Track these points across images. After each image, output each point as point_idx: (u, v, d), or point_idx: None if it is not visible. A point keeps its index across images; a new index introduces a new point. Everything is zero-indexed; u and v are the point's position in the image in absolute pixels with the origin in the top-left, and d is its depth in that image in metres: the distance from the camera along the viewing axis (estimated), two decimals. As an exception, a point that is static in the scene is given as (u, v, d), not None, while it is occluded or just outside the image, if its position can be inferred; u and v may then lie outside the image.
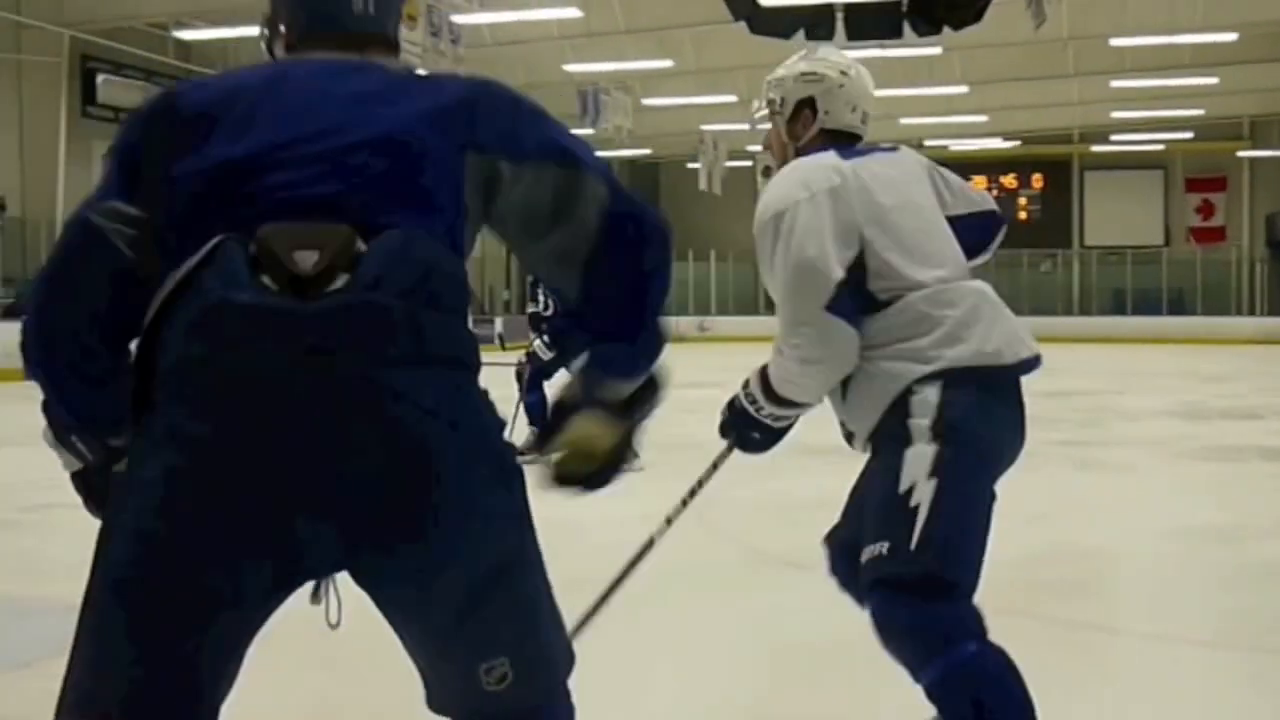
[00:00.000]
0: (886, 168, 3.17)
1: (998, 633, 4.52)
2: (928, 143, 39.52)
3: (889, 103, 32.33)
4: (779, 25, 21.16)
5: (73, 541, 6.04)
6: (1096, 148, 40.79)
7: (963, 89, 30.57)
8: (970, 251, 3.25)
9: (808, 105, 3.35)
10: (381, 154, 1.91)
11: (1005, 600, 4.97)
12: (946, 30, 20.82)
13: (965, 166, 42.47)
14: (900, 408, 2.94)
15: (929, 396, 2.90)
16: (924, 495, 2.84)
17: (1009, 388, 3.15)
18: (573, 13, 22.78)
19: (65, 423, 2.12)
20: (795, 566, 5.56)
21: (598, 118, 28.15)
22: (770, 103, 3.47)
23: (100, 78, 23.62)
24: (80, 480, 2.20)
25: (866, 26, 21.00)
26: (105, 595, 1.85)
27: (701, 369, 23.14)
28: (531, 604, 1.99)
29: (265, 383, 1.76)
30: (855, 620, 4.85)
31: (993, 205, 3.53)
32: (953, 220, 3.22)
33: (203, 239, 1.81)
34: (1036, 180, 42.88)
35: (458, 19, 21.46)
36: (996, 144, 39.29)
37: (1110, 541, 6.77)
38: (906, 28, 20.54)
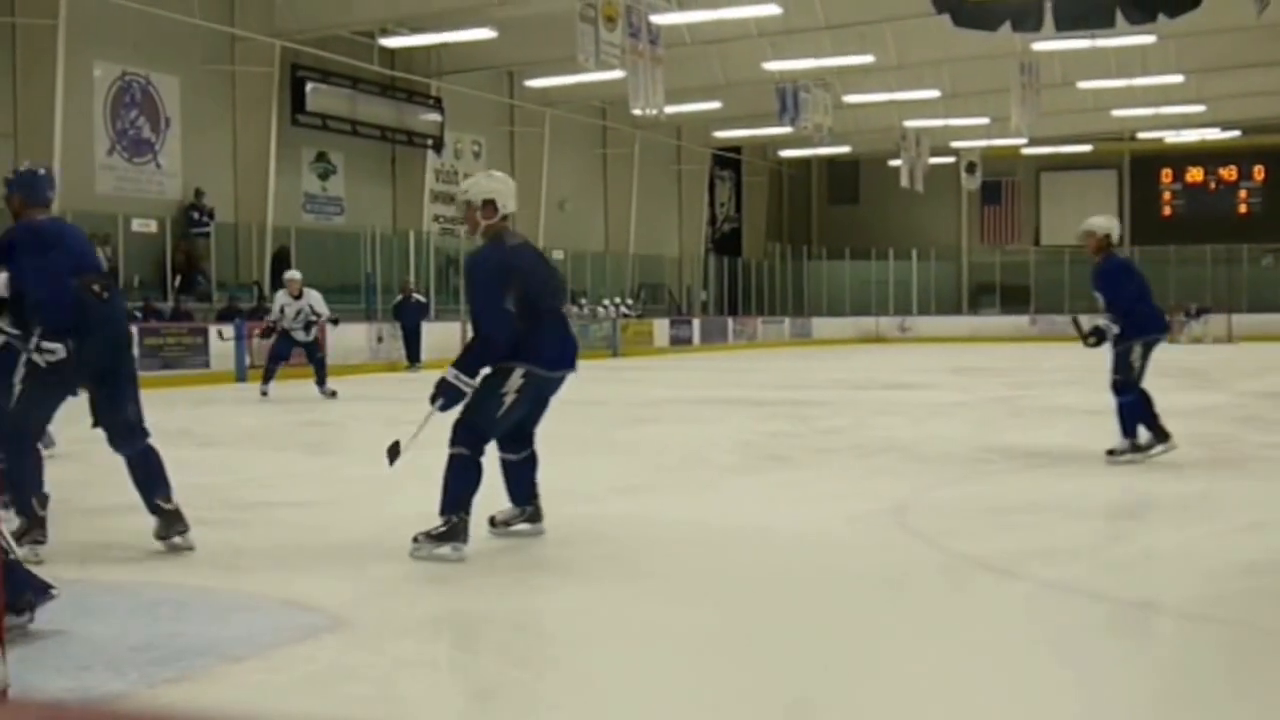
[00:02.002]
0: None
1: (1217, 642, 4.38)
2: (1141, 135, 38.14)
3: (1099, 95, 31.32)
4: (985, 18, 20.72)
5: (277, 540, 6.37)
6: (1323, 137, 38.70)
7: (1178, 78, 29.38)
8: None
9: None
10: None
11: (1225, 609, 4.82)
12: (1161, 17, 20.05)
13: (1181, 159, 40.91)
14: None
15: None
16: None
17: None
18: (772, 10, 22.73)
19: None
20: (993, 571, 5.47)
21: (797, 116, 28.03)
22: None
23: (309, 86, 24.40)
24: None
25: (1076, 16, 20.39)
26: None
27: (903, 369, 22.96)
28: None
29: None
30: (1048, 626, 4.77)
31: None
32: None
33: None
34: (1258, 172, 40.95)
35: (656, 19, 21.65)
36: (1214, 135, 37.62)
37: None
38: (1119, 16, 19.85)
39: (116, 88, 21.19)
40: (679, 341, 33.04)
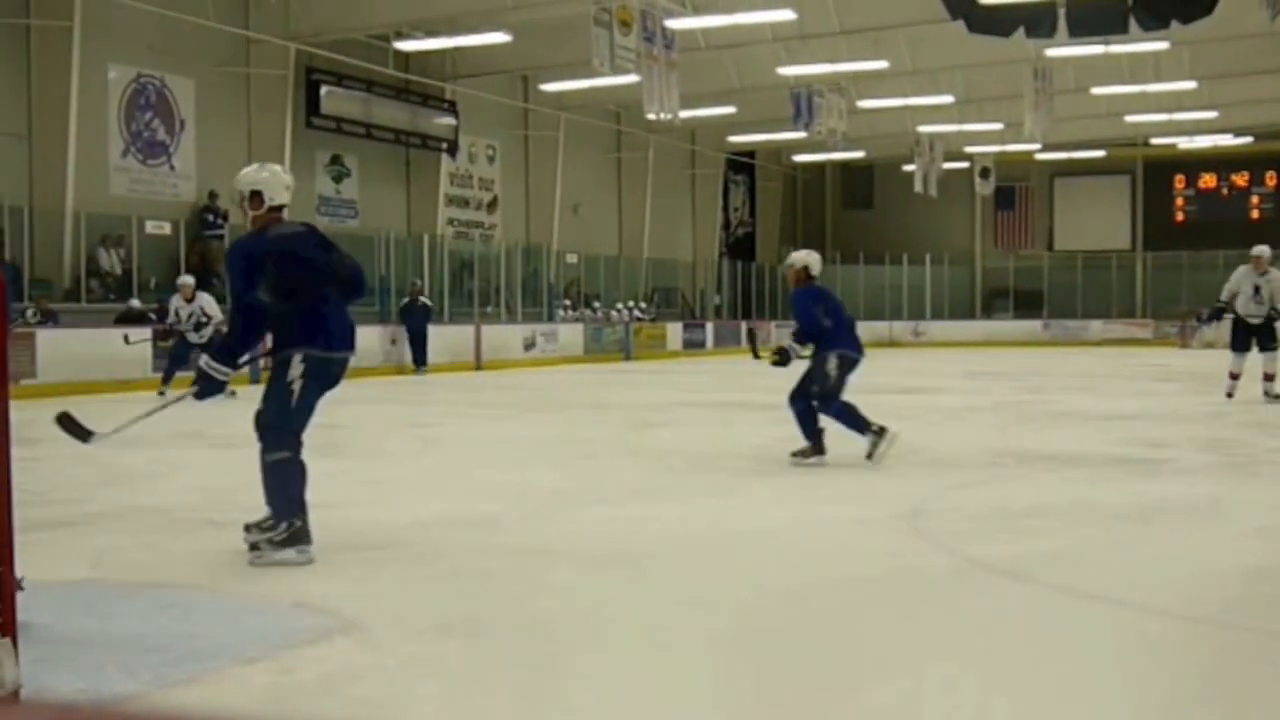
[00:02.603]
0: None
1: (1221, 647, 4.38)
2: (1154, 140, 38.05)
3: (1113, 101, 31.27)
4: (998, 23, 20.70)
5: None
6: (1337, 144, 38.59)
7: (1191, 84, 29.32)
8: None
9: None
10: None
11: (1234, 614, 4.82)
12: (1174, 24, 20.01)
13: (1194, 165, 40.78)
14: None
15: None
16: None
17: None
18: (787, 15, 22.74)
19: None
20: (1004, 575, 5.47)
21: (811, 120, 28.03)
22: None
23: (324, 89, 24.47)
24: None
25: (1090, 22, 20.36)
26: None
27: (915, 374, 22.90)
28: None
29: None
30: (1057, 630, 4.77)
31: None
32: None
33: None
34: (1270, 178, 40.85)
35: (671, 23, 21.68)
36: (1227, 141, 37.54)
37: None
38: (1132, 22, 19.82)
39: (131, 90, 21.24)
40: (692, 345, 33.05)
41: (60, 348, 16.69)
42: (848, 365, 9.37)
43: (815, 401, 9.24)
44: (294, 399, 5.64)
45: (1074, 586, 5.22)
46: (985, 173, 38.32)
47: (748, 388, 18.84)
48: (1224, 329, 15.42)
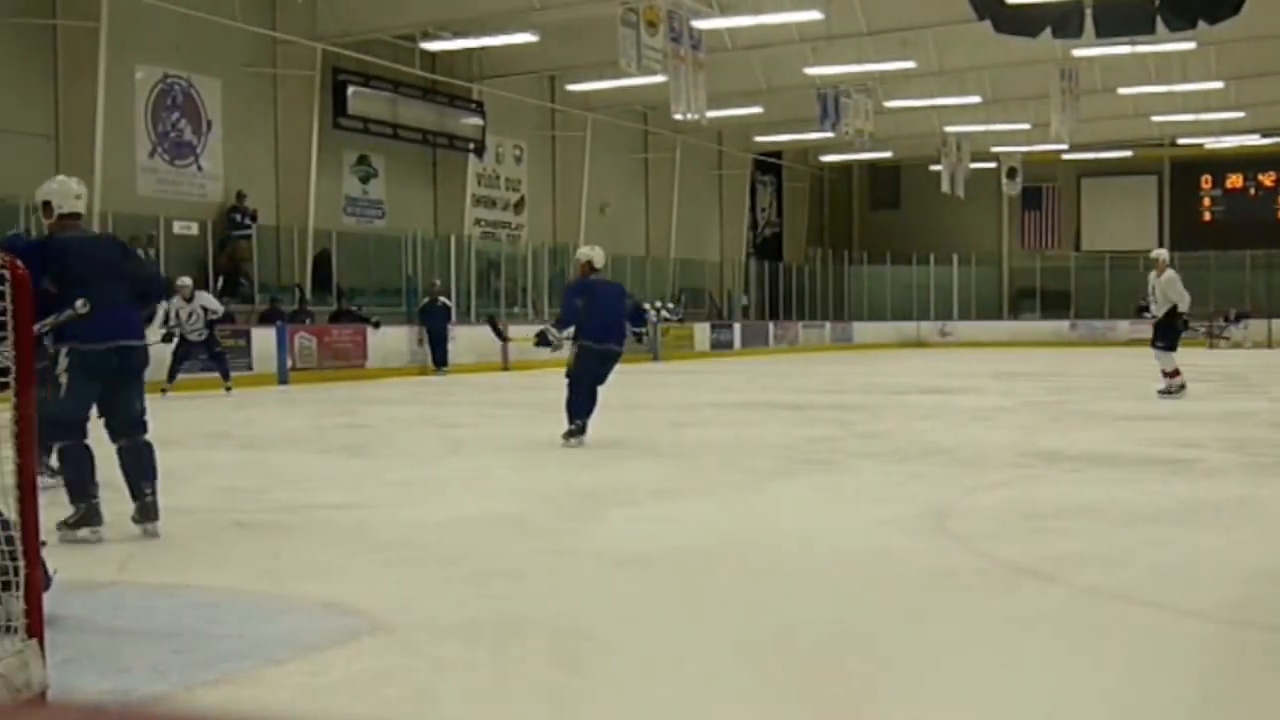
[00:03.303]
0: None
1: (1258, 648, 4.33)
2: (1181, 140, 37.81)
3: (1140, 101, 31.08)
4: (1025, 23, 20.58)
5: (317, 542, 6.39)
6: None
7: (1218, 84, 29.11)
8: None
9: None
10: None
11: (1266, 614, 4.77)
12: (1201, 24, 19.86)
13: (1221, 165, 40.48)
14: None
15: None
16: None
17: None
18: (814, 15, 22.68)
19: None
20: (1033, 576, 5.43)
21: (838, 121, 27.95)
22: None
23: (350, 90, 24.42)
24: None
25: (1117, 22, 20.23)
26: None
27: (943, 374, 22.82)
28: None
29: None
30: (1087, 631, 4.73)
31: None
32: None
33: None
34: (1297, 178, 40.56)
35: (698, 24, 21.65)
36: (1254, 141, 37.24)
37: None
38: (1159, 23, 19.68)
39: (158, 90, 21.29)
40: (720, 346, 33.00)
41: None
42: (589, 356, 10.36)
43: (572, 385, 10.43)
44: (63, 391, 6.01)
45: (1103, 587, 5.18)
46: (1012, 173, 38.13)
47: (776, 388, 18.81)
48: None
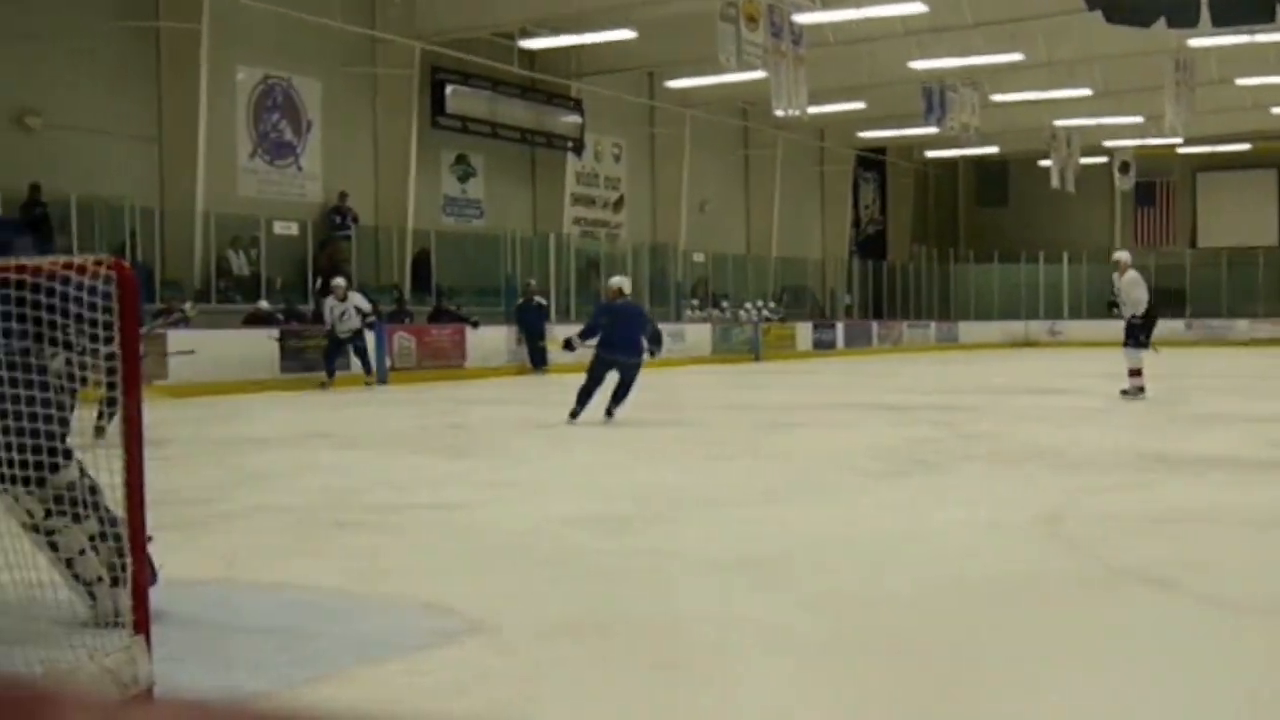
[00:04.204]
0: None
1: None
2: (1304, 132, 36.65)
3: (1258, 92, 30.17)
4: (1138, 13, 20.07)
5: (417, 542, 6.41)
6: None
7: (1343, 73, 28.15)
8: None
9: None
10: None
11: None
12: (1326, 10, 19.19)
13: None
14: None
15: None
16: None
17: None
18: (918, 8, 22.36)
19: None
20: (1149, 582, 5.23)
21: (943, 115, 27.54)
22: None
23: (449, 88, 24.53)
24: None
25: (1234, 10, 19.62)
26: None
27: (1052, 374, 22.36)
28: None
29: None
30: (1208, 641, 4.53)
31: None
32: None
33: None
34: None
35: (799, 18, 21.45)
36: (1382, 133, 35.96)
37: None
38: (1279, 11, 19.05)
39: (259, 91, 21.59)
40: (822, 346, 32.73)
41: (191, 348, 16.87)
42: (599, 362, 12.60)
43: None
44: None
45: (1221, 595, 4.99)
46: (1125, 167, 37.28)
47: (879, 389, 18.57)
48: None
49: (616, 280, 13.46)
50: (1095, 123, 33.26)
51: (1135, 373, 15.16)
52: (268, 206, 21.27)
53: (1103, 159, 36.79)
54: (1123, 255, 16.09)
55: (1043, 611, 4.83)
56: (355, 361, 18.47)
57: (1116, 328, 15.85)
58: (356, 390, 18.06)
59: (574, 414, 12.47)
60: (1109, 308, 16.24)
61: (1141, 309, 15.26)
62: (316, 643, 4.30)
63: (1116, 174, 37.36)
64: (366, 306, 18.33)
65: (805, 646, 4.30)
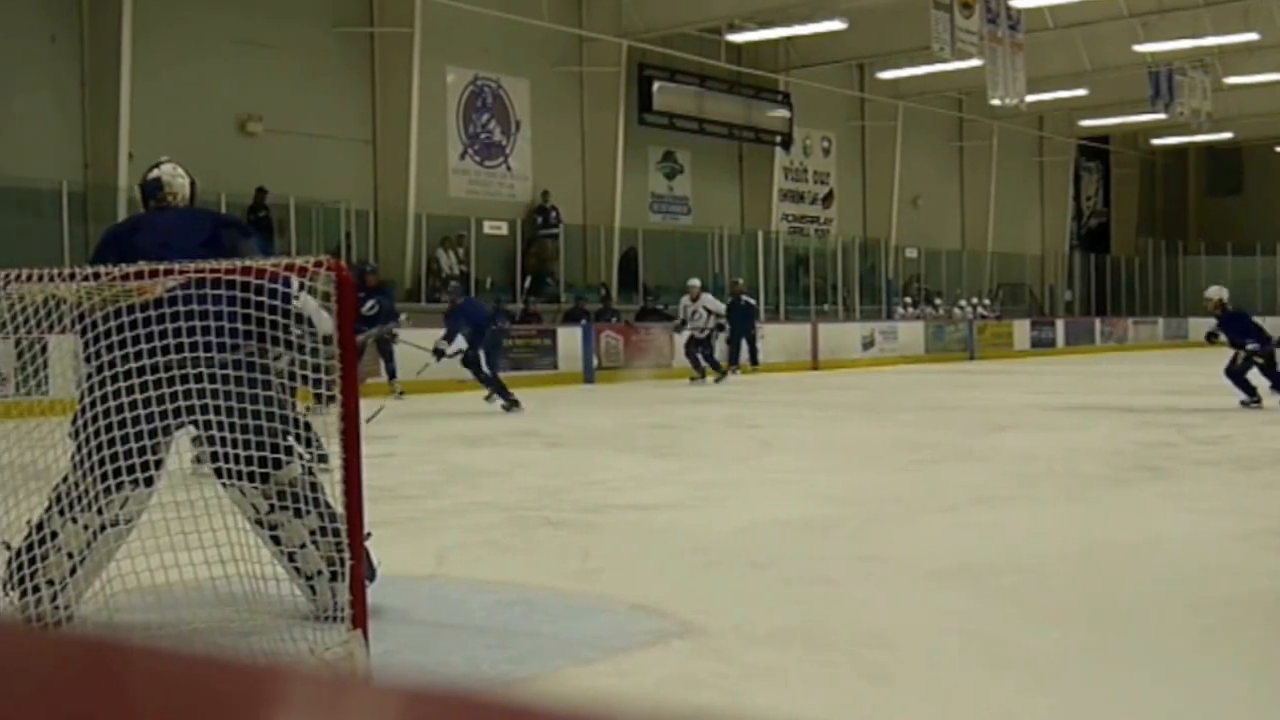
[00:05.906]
0: None
1: None
2: None
3: None
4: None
5: (625, 542, 6.39)
6: None
7: None
8: None
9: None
10: None
11: None
12: None
13: None
14: None
15: None
16: None
17: None
18: (1144, -11, 21.48)
19: None
20: None
21: (1171, 101, 26.36)
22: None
23: (656, 85, 24.49)
24: None
25: None
26: None
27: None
28: None
29: None
30: None
31: None
32: None
33: None
34: None
35: (1016, 3, 20.82)
36: None
37: None
38: None
39: (469, 92, 21.96)
40: (1040, 344, 31.70)
41: (402, 347, 17.10)
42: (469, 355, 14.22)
43: None
44: None
45: None
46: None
47: (1104, 389, 17.87)
48: None
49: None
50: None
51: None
52: (477, 206, 21.66)
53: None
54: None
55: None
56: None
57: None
58: (562, 390, 18.28)
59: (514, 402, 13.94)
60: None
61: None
62: (527, 641, 4.33)
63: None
64: (719, 309, 19.45)
65: (1027, 663, 4.10)
